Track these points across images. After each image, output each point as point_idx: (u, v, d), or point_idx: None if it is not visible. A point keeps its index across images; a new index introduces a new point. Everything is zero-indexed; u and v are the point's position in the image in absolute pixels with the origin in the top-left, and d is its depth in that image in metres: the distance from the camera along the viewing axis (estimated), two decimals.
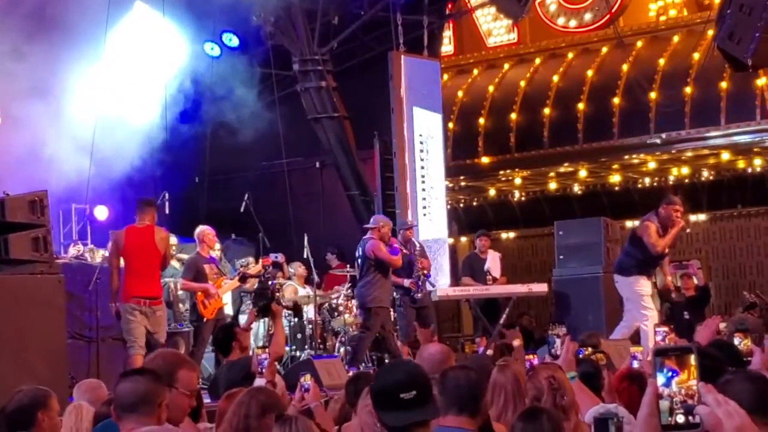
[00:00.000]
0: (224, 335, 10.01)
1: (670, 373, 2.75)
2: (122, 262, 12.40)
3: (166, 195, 15.97)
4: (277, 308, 10.60)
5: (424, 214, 17.96)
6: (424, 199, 18.04)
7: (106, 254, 14.69)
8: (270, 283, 12.67)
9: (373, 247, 13.98)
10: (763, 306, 17.56)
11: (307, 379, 6.79)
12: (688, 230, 13.99)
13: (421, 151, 18.09)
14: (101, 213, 17.11)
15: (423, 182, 18.06)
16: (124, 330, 12.08)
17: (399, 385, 4.28)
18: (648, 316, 13.19)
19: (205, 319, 13.69)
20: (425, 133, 18.17)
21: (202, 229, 14.13)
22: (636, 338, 13.26)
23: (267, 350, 7.83)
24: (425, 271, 14.96)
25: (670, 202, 13.57)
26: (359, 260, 14.39)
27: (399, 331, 15.02)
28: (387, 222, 14.56)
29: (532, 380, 5.21)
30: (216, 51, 18.61)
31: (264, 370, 7.58)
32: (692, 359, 2.75)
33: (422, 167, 18.07)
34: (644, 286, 13.40)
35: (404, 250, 14.60)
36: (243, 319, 15.29)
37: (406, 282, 14.86)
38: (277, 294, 12.44)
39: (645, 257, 13.36)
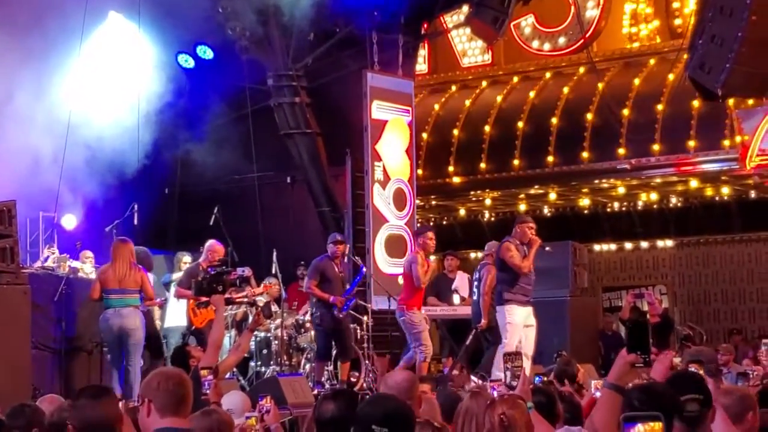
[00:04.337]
0: (178, 356, 10.01)
1: None
2: None
3: (135, 206, 15.91)
4: (217, 299, 10.56)
5: None
6: None
7: (74, 264, 14.69)
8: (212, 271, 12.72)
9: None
10: (698, 336, 17.73)
11: (267, 402, 6.75)
12: (547, 248, 13.92)
13: None
14: (69, 222, 17.00)
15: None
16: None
17: (374, 418, 4.42)
18: (504, 344, 13.18)
19: (193, 327, 13.68)
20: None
21: (212, 244, 14.33)
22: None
23: (212, 371, 7.74)
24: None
25: (523, 220, 13.64)
26: (476, 283, 14.75)
27: (316, 351, 14.95)
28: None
29: (488, 413, 5.23)
30: (190, 63, 18.59)
31: (208, 392, 7.49)
32: (660, 427, 2.78)
33: None
34: (516, 315, 13.29)
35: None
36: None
37: (333, 298, 14.70)
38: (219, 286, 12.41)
39: (518, 281, 13.30)
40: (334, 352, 14.92)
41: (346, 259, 16.30)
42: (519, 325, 13.25)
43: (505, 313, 13.35)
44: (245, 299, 14.77)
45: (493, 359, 13.89)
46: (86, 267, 14.94)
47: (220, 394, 7.64)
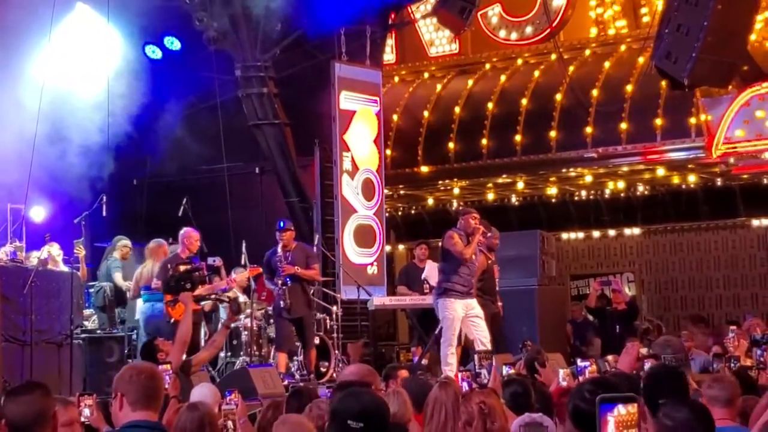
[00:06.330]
0: (147, 349, 9.99)
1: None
2: None
3: (104, 197, 15.85)
4: (185, 296, 10.56)
5: None
6: None
7: (41, 257, 14.63)
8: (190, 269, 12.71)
9: None
10: (656, 329, 17.88)
11: (234, 396, 6.77)
12: (489, 234, 14.06)
13: None
14: (37, 214, 16.91)
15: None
16: None
17: (350, 413, 4.46)
18: (444, 338, 13.29)
19: (172, 320, 13.58)
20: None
21: (187, 232, 14.20)
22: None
23: (170, 366, 7.74)
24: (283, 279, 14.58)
25: (466, 211, 13.91)
26: None
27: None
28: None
29: (465, 404, 5.27)
30: (158, 54, 18.50)
31: (167, 386, 7.47)
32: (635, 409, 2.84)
33: None
34: (454, 310, 13.31)
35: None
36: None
37: (275, 290, 14.74)
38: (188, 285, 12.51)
39: (458, 270, 13.37)
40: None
41: (315, 249, 16.32)
42: (456, 318, 13.29)
43: (441, 306, 13.45)
44: (213, 296, 14.68)
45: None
46: (56, 254, 14.83)
47: (178, 389, 7.64)
